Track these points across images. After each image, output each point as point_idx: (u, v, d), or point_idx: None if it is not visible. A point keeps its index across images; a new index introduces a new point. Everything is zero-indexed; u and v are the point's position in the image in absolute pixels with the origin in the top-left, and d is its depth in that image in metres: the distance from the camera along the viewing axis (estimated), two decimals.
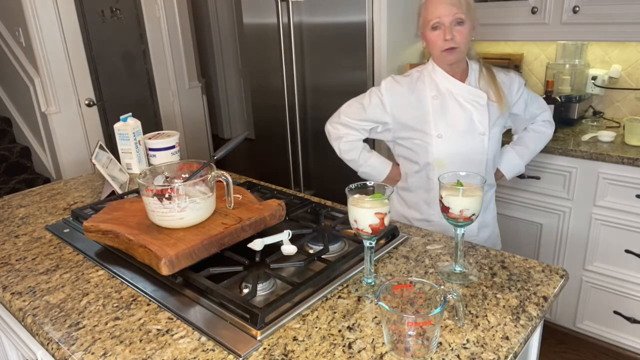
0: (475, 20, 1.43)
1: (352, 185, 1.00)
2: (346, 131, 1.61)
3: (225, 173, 1.13)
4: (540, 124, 1.64)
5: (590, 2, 2.01)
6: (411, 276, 1.07)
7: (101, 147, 1.67)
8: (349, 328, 0.90)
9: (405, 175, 1.60)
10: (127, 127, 1.80)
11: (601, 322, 2.07)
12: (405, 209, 1.63)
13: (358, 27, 2.30)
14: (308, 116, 2.64)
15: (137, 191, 1.53)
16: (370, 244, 0.99)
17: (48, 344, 0.91)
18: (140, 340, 0.89)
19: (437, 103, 1.46)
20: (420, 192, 1.56)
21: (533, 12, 2.16)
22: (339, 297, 1.00)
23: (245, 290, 1.01)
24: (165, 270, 1.00)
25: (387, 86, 1.51)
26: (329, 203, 1.47)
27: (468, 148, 1.46)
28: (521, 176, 2.09)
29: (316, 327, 0.90)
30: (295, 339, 0.88)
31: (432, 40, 1.40)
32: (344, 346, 0.85)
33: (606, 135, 1.99)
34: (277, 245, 1.14)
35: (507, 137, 1.71)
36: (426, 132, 1.46)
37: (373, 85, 2.32)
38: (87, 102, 3.14)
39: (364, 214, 0.95)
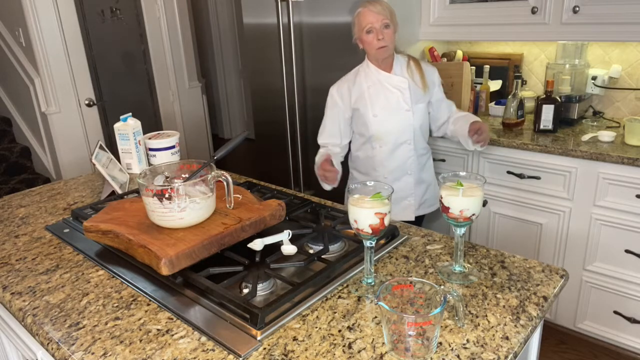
0: (397, 25, 1.82)
1: (352, 185, 1.00)
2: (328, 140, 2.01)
3: (225, 173, 1.13)
4: (459, 111, 2.03)
5: (590, 2, 2.01)
6: (411, 276, 1.07)
7: (101, 147, 1.67)
8: (349, 328, 0.90)
9: (357, 148, 2.00)
10: (127, 127, 1.80)
11: (601, 322, 2.07)
12: (360, 177, 2.04)
13: None
14: (308, 116, 2.64)
15: (137, 191, 1.53)
16: (370, 244, 0.99)
17: (48, 344, 0.91)
18: (140, 340, 0.89)
19: (372, 91, 1.88)
20: (367, 161, 1.97)
21: (533, 12, 2.16)
22: (339, 297, 1.00)
23: (245, 290, 1.01)
24: (165, 270, 1.00)
25: (334, 89, 1.95)
26: (329, 203, 1.47)
27: (398, 122, 1.88)
28: (521, 176, 2.09)
29: (316, 327, 0.90)
30: (295, 339, 0.88)
31: (368, 41, 1.78)
32: (344, 346, 0.85)
33: (606, 135, 1.98)
34: (277, 245, 1.14)
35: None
36: (366, 113, 1.88)
37: None
38: (87, 102, 3.14)
39: (364, 214, 0.95)
